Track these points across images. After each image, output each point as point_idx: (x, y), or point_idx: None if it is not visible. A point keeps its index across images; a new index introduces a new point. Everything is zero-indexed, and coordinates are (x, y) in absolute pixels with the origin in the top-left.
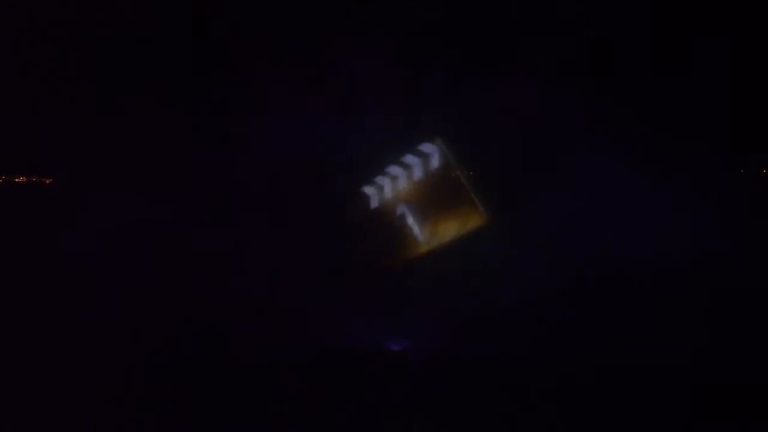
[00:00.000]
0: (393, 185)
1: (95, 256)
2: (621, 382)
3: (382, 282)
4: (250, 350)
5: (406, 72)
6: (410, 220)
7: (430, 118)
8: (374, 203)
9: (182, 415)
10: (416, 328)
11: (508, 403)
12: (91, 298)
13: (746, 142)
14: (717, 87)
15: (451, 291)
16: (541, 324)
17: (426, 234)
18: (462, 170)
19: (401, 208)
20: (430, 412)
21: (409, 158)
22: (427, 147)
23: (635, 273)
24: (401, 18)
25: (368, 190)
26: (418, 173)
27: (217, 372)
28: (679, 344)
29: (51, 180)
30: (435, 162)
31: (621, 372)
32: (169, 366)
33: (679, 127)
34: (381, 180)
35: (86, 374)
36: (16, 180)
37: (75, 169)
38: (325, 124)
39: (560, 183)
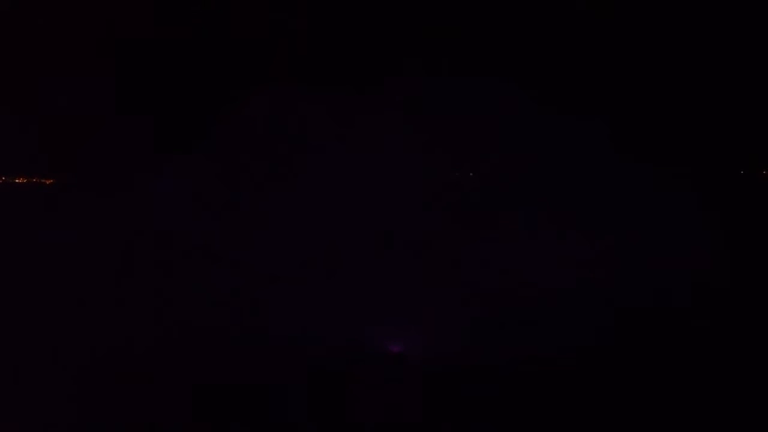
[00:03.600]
0: None
1: (96, 257)
2: (623, 383)
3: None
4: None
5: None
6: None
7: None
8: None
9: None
10: (416, 329)
11: (508, 407)
12: (91, 298)
13: (746, 143)
14: (717, 87)
15: (450, 292)
16: (542, 325)
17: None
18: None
19: None
20: (429, 417)
21: None
22: None
23: (635, 274)
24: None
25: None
26: None
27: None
28: (680, 345)
29: (51, 180)
30: None
31: (624, 373)
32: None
33: (678, 128)
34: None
35: (86, 374)
36: (17, 180)
37: (78, 169)
38: None
39: (559, 183)
